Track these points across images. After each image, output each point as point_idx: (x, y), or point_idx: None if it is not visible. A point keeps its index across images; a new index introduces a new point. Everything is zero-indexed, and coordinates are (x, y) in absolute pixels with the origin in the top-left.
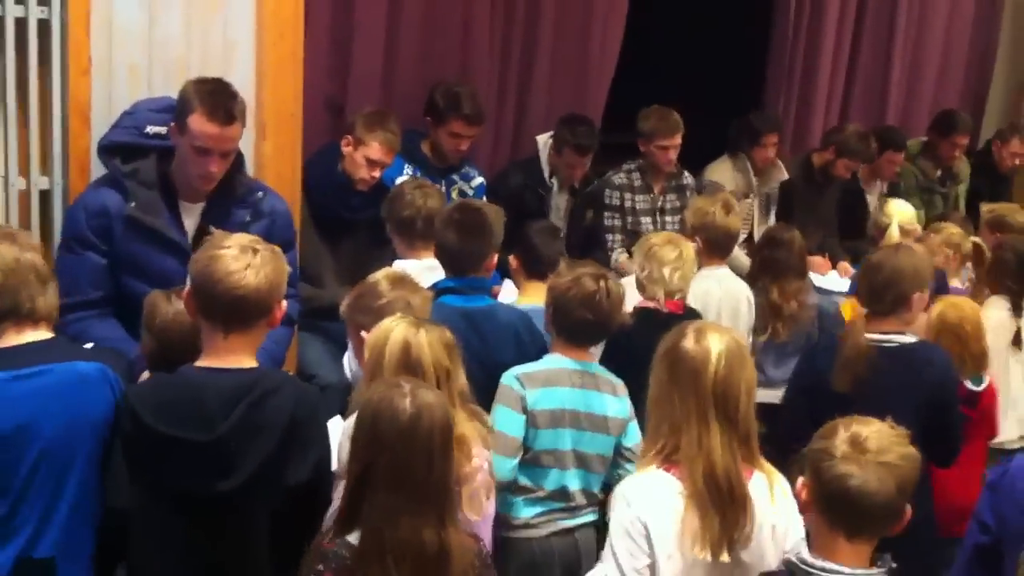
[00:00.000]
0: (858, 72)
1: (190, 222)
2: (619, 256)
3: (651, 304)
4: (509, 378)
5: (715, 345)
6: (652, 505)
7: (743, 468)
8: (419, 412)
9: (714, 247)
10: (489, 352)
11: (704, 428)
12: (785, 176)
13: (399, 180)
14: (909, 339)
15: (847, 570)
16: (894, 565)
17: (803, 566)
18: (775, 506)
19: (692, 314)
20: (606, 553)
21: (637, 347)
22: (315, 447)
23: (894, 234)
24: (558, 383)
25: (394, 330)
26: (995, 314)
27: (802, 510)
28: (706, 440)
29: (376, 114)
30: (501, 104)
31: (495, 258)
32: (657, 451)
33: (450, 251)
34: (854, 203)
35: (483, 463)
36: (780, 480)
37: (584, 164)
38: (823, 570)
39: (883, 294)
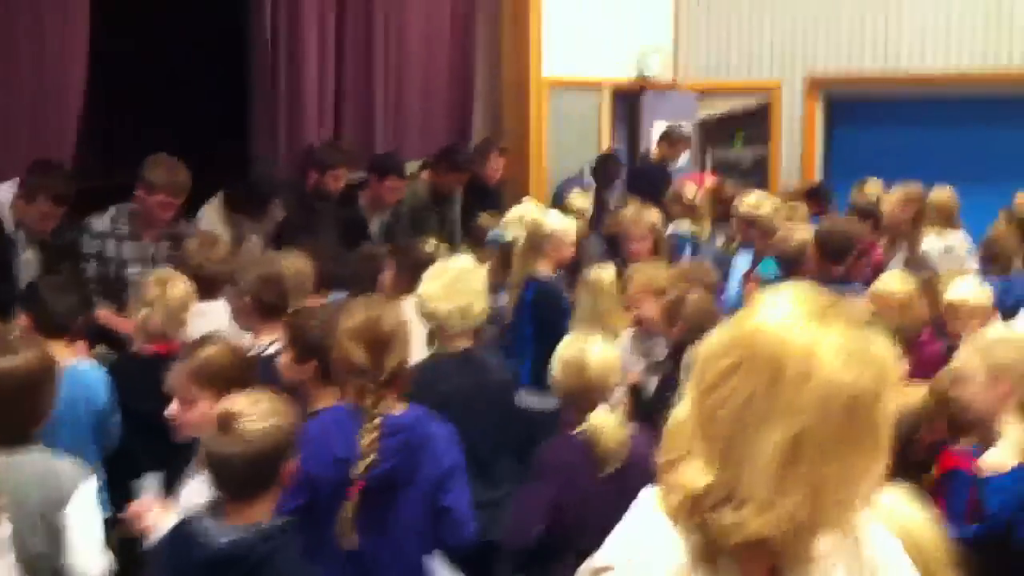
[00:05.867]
0: (346, 102)
1: None
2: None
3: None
4: None
5: None
6: None
7: None
8: None
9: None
10: None
11: None
12: (281, 214)
13: None
14: None
15: (224, 528)
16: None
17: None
18: None
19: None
20: None
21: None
22: None
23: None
24: None
25: None
26: None
27: None
28: None
29: None
30: None
31: None
32: None
33: None
34: (358, 228)
35: None
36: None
37: (58, 214)
38: (203, 531)
39: None
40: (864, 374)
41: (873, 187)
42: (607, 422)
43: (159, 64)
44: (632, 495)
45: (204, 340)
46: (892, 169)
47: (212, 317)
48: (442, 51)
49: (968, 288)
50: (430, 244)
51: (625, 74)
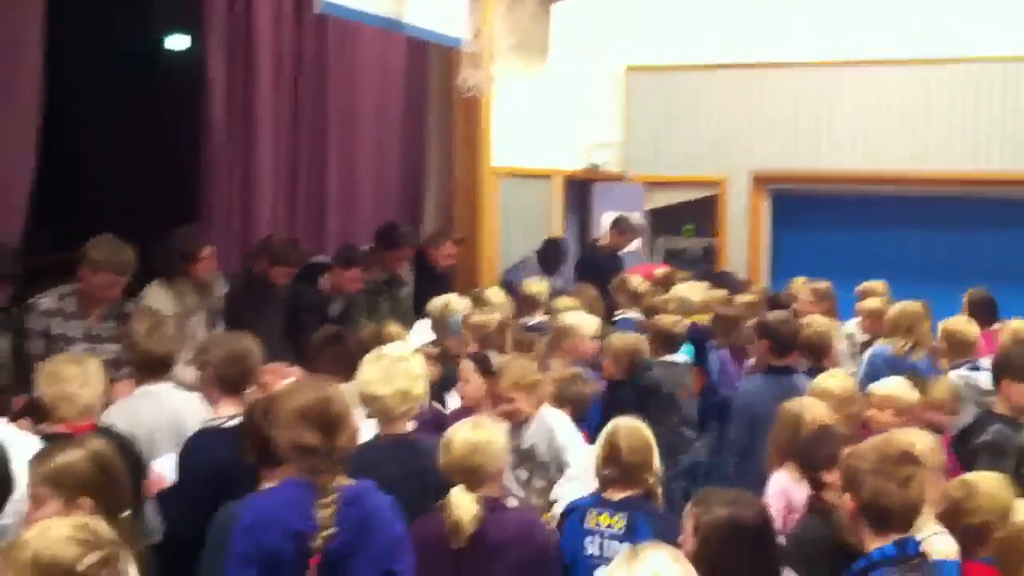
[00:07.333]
0: (299, 191)
1: None
2: None
3: (60, 428)
4: None
5: None
6: None
7: None
8: None
9: (145, 369)
10: None
11: None
12: (226, 288)
13: None
14: None
15: None
16: None
17: None
18: None
19: (106, 432)
20: None
21: None
22: None
23: None
24: None
25: None
26: None
27: None
28: None
29: None
30: None
31: None
32: None
33: None
34: (320, 312)
35: None
36: None
37: (7, 291)
38: None
39: None
40: None
41: (798, 284)
42: (458, 499)
43: (114, 149)
44: (482, 570)
45: (66, 444)
46: (833, 261)
47: (161, 399)
48: (394, 141)
49: (893, 384)
50: (393, 326)
51: (575, 166)
